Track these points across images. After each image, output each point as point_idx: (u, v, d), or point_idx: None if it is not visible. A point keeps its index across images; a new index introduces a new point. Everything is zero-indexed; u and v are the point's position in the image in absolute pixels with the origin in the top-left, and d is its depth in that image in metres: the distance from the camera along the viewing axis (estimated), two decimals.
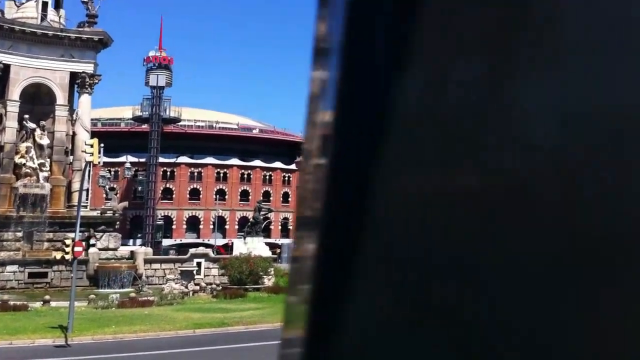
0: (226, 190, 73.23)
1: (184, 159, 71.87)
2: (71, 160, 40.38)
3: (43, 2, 41.57)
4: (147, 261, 38.17)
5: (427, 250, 0.43)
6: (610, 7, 0.41)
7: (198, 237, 68.08)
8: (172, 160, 70.64)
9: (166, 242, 64.12)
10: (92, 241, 37.02)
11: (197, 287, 36.18)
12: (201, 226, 71.46)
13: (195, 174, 72.50)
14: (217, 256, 41.75)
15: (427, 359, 0.44)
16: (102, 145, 30.12)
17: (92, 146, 25.12)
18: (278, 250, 54.26)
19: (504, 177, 0.42)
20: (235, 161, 73.90)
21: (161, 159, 67.49)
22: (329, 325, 0.45)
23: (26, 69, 39.28)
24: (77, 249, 24.47)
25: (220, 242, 62.17)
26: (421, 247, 0.44)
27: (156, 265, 38.50)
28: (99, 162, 29.47)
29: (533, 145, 0.42)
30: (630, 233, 0.40)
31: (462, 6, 0.43)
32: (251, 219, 47.59)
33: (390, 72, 0.44)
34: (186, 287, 35.19)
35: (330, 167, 0.47)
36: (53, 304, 29.01)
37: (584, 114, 0.41)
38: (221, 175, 73.39)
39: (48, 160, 39.04)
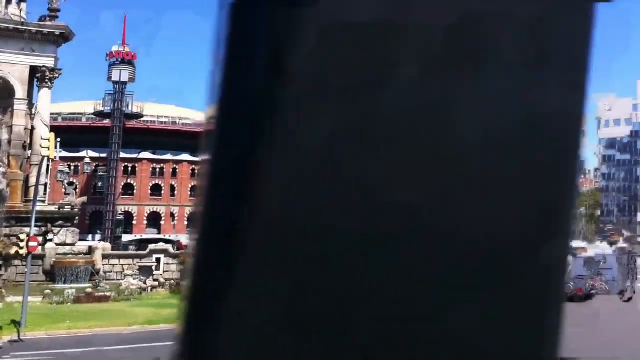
0: None
1: (146, 155, 71.39)
2: (29, 155, 40.00)
3: None
4: (105, 257, 38.05)
5: (302, 247, 0.42)
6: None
7: (159, 233, 67.71)
8: (133, 156, 70.09)
9: (126, 238, 63.47)
10: (49, 236, 36.79)
11: (156, 283, 36.24)
12: (162, 222, 71.12)
13: (157, 169, 72.10)
14: (177, 252, 41.76)
15: (303, 352, 0.43)
16: (58, 140, 29.99)
17: (48, 141, 25.13)
18: None
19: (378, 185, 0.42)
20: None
21: (123, 155, 66.91)
22: (202, 321, 0.44)
23: None
24: (31, 244, 24.44)
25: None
26: (296, 245, 0.42)
27: (114, 261, 38.41)
28: (55, 157, 29.37)
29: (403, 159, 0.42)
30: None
31: (341, 14, 0.41)
32: None
33: (266, 73, 0.42)
34: (144, 283, 35.25)
35: (209, 163, 0.45)
36: (8, 299, 28.87)
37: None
38: None
39: (6, 154, 38.66)
